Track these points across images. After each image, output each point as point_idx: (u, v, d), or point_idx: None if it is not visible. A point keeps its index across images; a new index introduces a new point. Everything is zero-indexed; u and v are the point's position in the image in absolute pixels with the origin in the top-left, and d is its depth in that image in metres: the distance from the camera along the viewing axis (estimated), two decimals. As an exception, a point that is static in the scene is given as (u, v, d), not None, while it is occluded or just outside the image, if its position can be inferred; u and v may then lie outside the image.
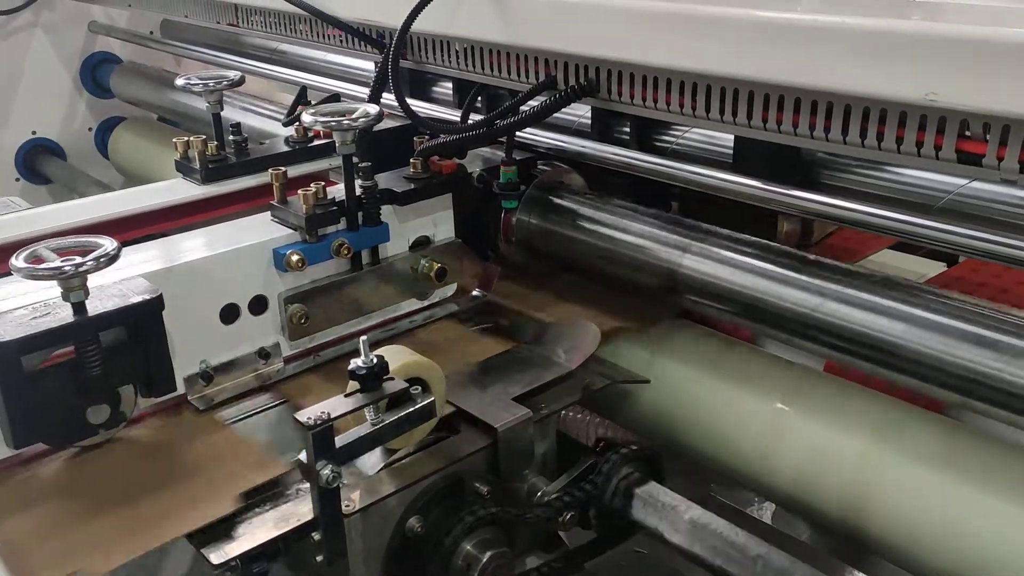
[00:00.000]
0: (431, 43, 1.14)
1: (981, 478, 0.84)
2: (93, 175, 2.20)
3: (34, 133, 2.22)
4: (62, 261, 0.80)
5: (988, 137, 0.67)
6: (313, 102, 1.36)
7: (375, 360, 0.78)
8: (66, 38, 2.20)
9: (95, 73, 2.25)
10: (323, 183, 1.03)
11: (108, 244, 0.82)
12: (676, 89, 0.88)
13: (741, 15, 0.77)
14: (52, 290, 0.82)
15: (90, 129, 2.29)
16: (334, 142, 1.22)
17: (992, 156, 0.68)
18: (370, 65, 1.60)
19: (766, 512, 1.57)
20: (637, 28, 0.87)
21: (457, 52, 1.11)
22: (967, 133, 0.68)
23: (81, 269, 0.79)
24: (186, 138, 1.21)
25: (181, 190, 1.15)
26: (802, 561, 0.84)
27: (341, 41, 1.29)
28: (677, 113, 0.90)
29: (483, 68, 1.09)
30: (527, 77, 1.04)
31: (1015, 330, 0.80)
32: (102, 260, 0.81)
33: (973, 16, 0.68)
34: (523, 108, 1.06)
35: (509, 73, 1.06)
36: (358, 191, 1.03)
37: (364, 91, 1.49)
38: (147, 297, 0.85)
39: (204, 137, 1.19)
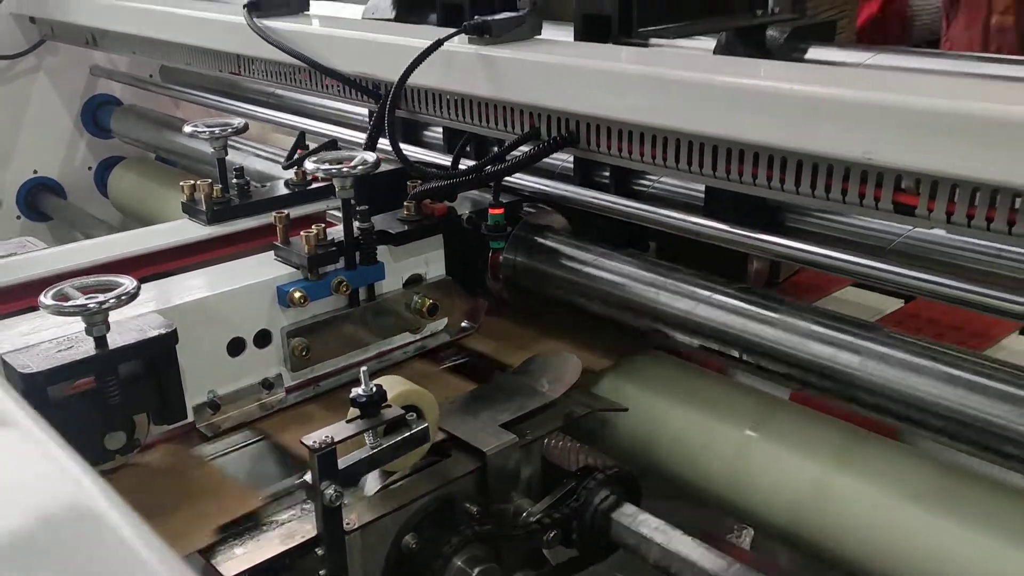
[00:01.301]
0: (424, 95, 1.22)
1: (927, 496, 0.91)
2: (92, 213, 2.27)
3: (35, 172, 2.28)
4: (86, 299, 0.87)
5: (920, 191, 0.76)
6: (311, 146, 1.45)
7: (374, 389, 0.85)
8: (68, 81, 2.28)
9: (96, 114, 2.32)
10: (323, 224, 1.11)
11: (128, 283, 0.89)
12: (648, 142, 0.97)
13: (705, 80, 0.86)
14: (75, 325, 0.89)
15: (90, 168, 2.36)
16: (332, 186, 1.32)
17: (924, 207, 0.76)
18: (364, 110, 1.68)
19: (745, 539, 1.64)
20: (612, 88, 0.96)
21: (448, 104, 1.19)
22: (902, 187, 0.77)
23: (104, 306, 0.86)
24: (192, 181, 1.28)
25: (188, 231, 1.23)
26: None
27: (339, 91, 1.37)
28: (650, 163, 0.99)
29: (472, 119, 1.17)
30: (513, 128, 1.13)
31: (955, 362, 0.89)
32: (123, 298, 0.88)
33: (905, 86, 0.77)
34: (509, 156, 1.14)
35: (496, 124, 1.14)
36: (356, 233, 1.11)
37: (357, 135, 1.58)
38: (163, 332, 0.92)
39: (210, 180, 1.26)
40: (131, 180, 2.26)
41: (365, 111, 1.68)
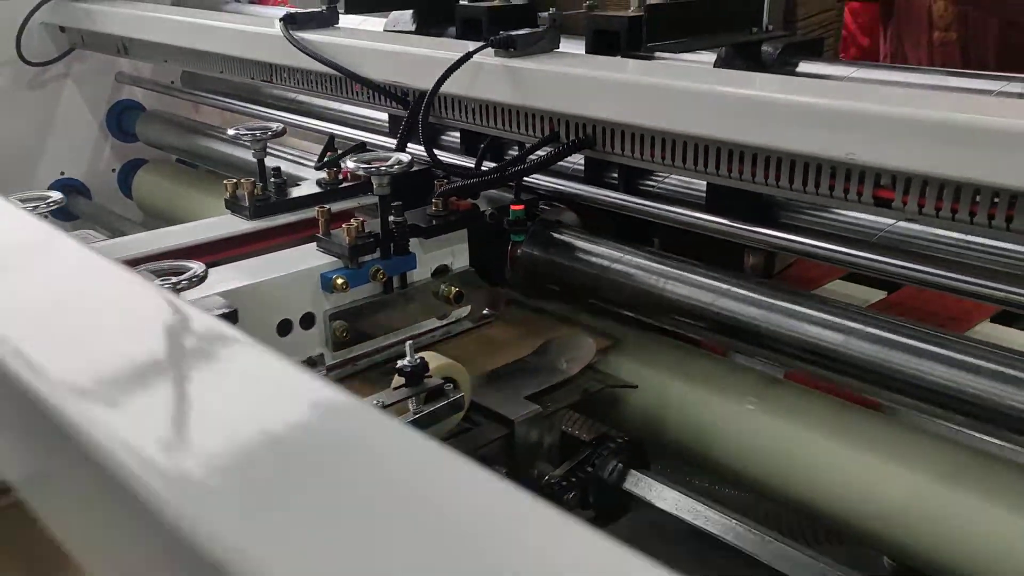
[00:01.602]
0: (450, 102, 1.34)
1: (907, 460, 1.03)
2: (116, 212, 2.37)
3: (62, 174, 2.38)
4: (161, 281, 0.98)
5: (895, 187, 0.88)
6: (339, 149, 1.56)
7: (419, 360, 0.96)
8: (95, 87, 2.38)
9: (120, 119, 2.43)
10: (362, 219, 1.23)
11: (197, 267, 1.01)
12: (658, 144, 1.09)
13: (709, 90, 0.98)
14: (149, 305, 1.00)
15: (113, 170, 2.46)
16: (361, 184, 1.43)
17: (899, 201, 0.89)
18: (383, 116, 1.80)
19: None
20: (626, 96, 1.08)
21: (473, 110, 1.31)
22: (881, 183, 0.89)
23: (178, 287, 0.97)
24: (234, 180, 1.40)
25: (234, 224, 1.34)
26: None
27: (369, 97, 1.49)
28: (659, 163, 1.11)
29: (496, 123, 1.29)
30: (534, 132, 1.25)
31: (929, 339, 1.01)
32: (194, 280, 0.99)
33: (882, 96, 0.89)
34: (529, 157, 1.26)
35: (519, 128, 1.26)
36: (391, 226, 1.22)
37: (374, 137, 1.69)
38: (226, 311, 1.03)
39: (252, 179, 1.38)
40: (154, 181, 2.37)
41: (384, 116, 1.80)
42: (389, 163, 1.20)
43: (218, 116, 2.40)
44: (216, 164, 2.17)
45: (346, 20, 1.75)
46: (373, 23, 1.86)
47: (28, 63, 2.22)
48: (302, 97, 2.05)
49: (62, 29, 2.26)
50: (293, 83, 1.64)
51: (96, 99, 2.40)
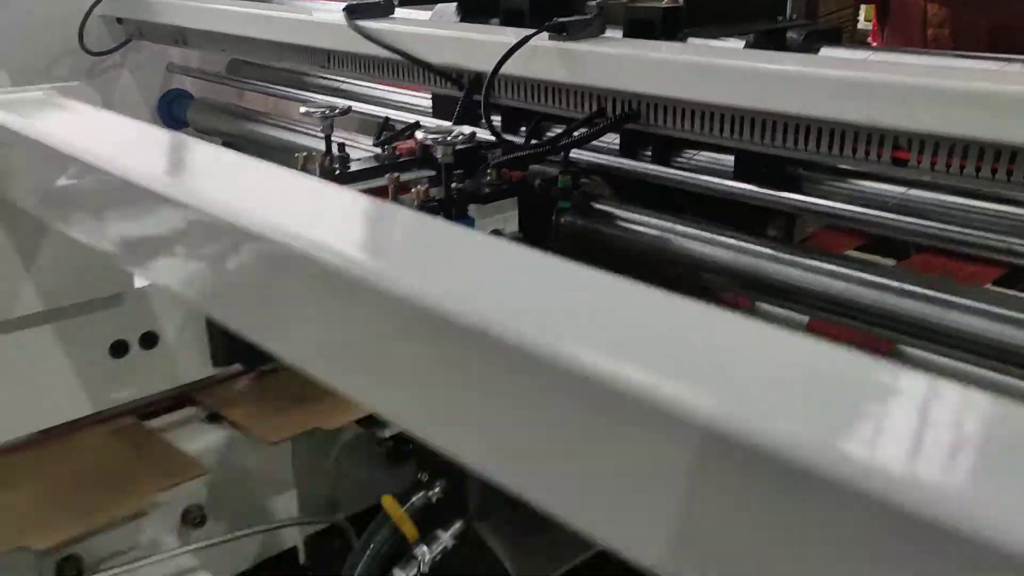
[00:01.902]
0: (505, 82, 1.48)
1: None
2: (167, 194, 2.51)
3: (117, 158, 2.53)
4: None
5: (911, 148, 1.02)
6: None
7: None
8: (148, 77, 2.53)
9: (171, 107, 2.58)
10: (427, 185, 1.37)
11: (294, 219, 1.15)
12: (698, 116, 1.23)
13: (747, 66, 1.13)
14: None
15: (163, 155, 2.60)
16: (416, 159, 1.57)
17: (914, 160, 1.03)
18: (419, 100, 1.94)
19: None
20: (669, 73, 1.22)
21: (525, 89, 1.45)
22: (898, 145, 1.03)
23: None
24: (304, 153, 1.54)
25: (307, 192, 1.48)
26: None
27: (424, 80, 1.63)
28: (698, 134, 1.25)
29: (547, 101, 1.43)
30: (581, 108, 1.39)
31: (938, 287, 1.14)
32: (294, 229, 1.13)
33: (898, 70, 1.03)
34: (577, 132, 1.40)
35: (568, 105, 1.40)
36: (453, 192, 1.37)
37: (415, 117, 1.82)
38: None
39: (323, 151, 1.52)
40: (203, 166, 2.51)
41: (424, 100, 1.93)
42: (453, 135, 1.35)
43: (261, 102, 2.54)
44: (262, 147, 2.31)
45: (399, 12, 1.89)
46: (417, 15, 2.00)
47: (89, 53, 2.36)
48: (345, 84, 2.19)
49: (119, 21, 2.41)
50: (351, 69, 1.78)
51: (149, 88, 2.54)
